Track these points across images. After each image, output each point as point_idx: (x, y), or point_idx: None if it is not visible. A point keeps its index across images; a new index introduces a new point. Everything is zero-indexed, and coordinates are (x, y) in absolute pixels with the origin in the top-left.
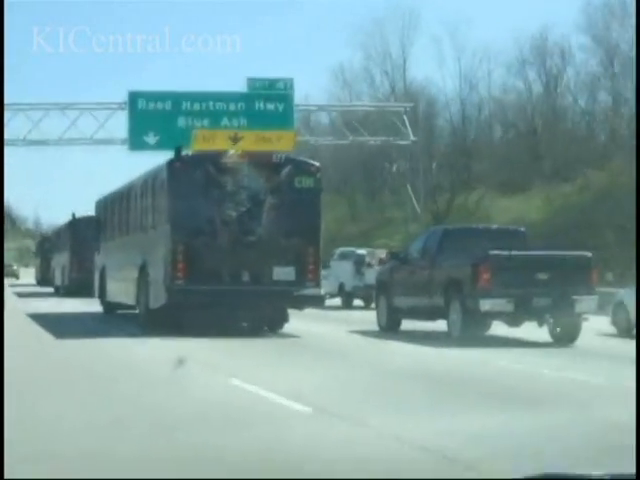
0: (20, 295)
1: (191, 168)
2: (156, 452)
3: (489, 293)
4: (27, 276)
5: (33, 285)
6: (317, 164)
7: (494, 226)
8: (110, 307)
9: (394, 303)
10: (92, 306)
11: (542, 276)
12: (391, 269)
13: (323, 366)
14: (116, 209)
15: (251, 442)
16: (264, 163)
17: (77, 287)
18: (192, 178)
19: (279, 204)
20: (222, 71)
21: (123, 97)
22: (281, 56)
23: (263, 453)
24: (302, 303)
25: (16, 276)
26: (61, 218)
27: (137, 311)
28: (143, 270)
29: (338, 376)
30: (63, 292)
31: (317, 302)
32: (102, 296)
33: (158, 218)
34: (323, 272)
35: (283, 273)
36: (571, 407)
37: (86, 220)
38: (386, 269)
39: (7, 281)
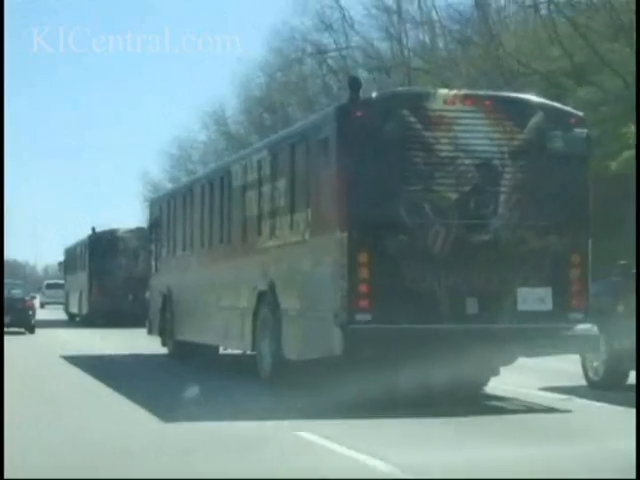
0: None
1: (376, 117)
2: None
3: None
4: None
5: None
6: (581, 114)
7: None
8: (183, 351)
9: None
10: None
11: None
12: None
13: None
14: (205, 200)
15: None
16: (499, 110)
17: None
18: (377, 133)
19: (526, 178)
20: (222, 71)
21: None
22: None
23: None
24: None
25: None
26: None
27: (257, 364)
28: (266, 297)
29: None
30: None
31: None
32: (167, 334)
33: (314, 205)
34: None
35: (534, 298)
36: None
37: None
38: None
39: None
